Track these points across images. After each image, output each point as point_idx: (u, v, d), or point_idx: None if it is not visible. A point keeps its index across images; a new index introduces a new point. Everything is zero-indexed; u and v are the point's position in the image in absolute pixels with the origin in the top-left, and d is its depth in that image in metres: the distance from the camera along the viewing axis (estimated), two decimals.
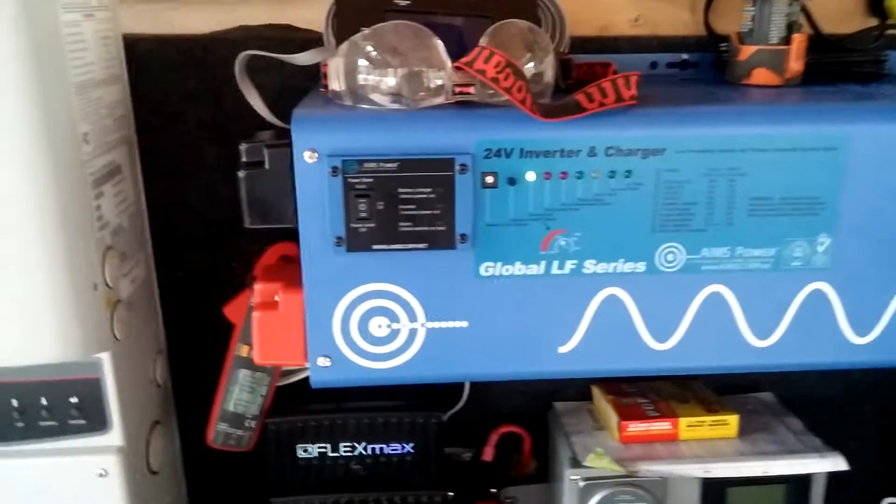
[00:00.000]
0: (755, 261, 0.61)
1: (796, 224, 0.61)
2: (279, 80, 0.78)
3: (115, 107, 0.69)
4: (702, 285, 0.62)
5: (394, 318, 0.61)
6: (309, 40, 0.73)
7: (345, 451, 0.77)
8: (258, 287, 0.62)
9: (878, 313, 0.63)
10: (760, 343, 0.64)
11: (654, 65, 0.82)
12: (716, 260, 0.61)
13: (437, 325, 0.61)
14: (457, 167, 0.57)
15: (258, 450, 0.78)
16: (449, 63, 0.56)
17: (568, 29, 0.74)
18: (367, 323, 0.61)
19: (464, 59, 0.55)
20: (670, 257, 0.61)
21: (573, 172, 0.58)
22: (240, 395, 0.76)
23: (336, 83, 0.59)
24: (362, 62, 0.57)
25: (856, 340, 0.64)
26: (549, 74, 0.61)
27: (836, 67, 0.77)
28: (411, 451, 0.77)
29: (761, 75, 0.71)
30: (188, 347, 0.85)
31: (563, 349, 0.63)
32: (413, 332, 0.61)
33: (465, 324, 0.62)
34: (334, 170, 0.56)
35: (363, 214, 0.57)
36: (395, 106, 0.58)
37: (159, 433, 0.77)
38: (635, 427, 0.82)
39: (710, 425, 0.83)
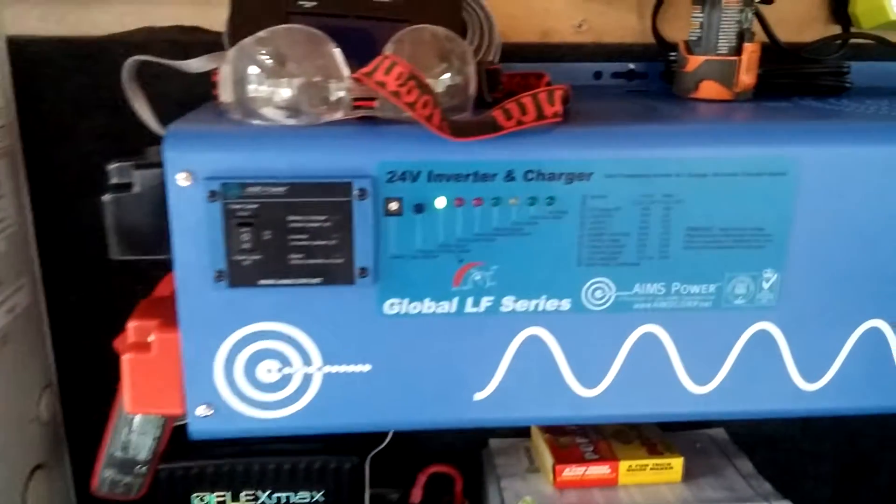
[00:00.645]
0: (693, 298, 0.55)
1: (739, 258, 0.54)
2: (182, 88, 0.70)
3: None
4: (634, 325, 0.55)
5: (285, 361, 0.54)
6: (217, 44, 0.65)
7: (247, 501, 0.69)
8: (131, 325, 0.54)
9: (829, 357, 0.57)
10: (699, 389, 0.57)
11: (598, 75, 0.75)
12: (649, 297, 0.55)
13: (335, 369, 0.54)
14: (355, 192, 0.50)
15: (149, 498, 0.70)
16: (347, 73, 0.49)
17: (498, 35, 0.68)
18: (255, 367, 0.53)
19: (363, 70, 0.48)
20: (598, 294, 0.54)
21: (488, 199, 0.51)
22: (129, 438, 0.68)
23: (226, 94, 0.51)
24: (252, 70, 0.50)
25: (805, 387, 0.58)
26: (471, 86, 0.55)
27: (794, 80, 0.71)
28: (322, 499, 0.70)
29: (709, 89, 0.65)
30: (82, 381, 0.76)
31: (479, 396, 0.56)
32: (308, 378, 0.54)
33: (367, 367, 0.54)
34: (212, 194, 0.48)
35: (247, 245, 0.50)
36: (290, 121, 0.50)
37: (42, 479, 0.69)
38: (571, 472, 0.75)
39: (653, 469, 0.76)
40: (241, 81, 0.50)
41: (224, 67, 0.51)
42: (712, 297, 0.55)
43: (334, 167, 0.49)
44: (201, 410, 0.54)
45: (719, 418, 0.60)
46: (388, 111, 0.51)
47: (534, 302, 0.54)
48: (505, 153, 0.51)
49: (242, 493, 0.69)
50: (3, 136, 0.63)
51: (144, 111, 0.58)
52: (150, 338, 0.53)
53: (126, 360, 0.53)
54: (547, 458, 0.77)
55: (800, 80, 0.70)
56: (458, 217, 0.51)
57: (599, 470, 0.76)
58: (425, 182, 0.50)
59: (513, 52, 0.74)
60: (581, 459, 0.76)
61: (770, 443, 0.89)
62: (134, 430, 0.68)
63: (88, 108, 0.71)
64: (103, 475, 0.68)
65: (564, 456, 0.77)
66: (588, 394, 0.57)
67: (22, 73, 0.68)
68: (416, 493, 0.83)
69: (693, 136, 0.53)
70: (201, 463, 0.68)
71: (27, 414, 0.68)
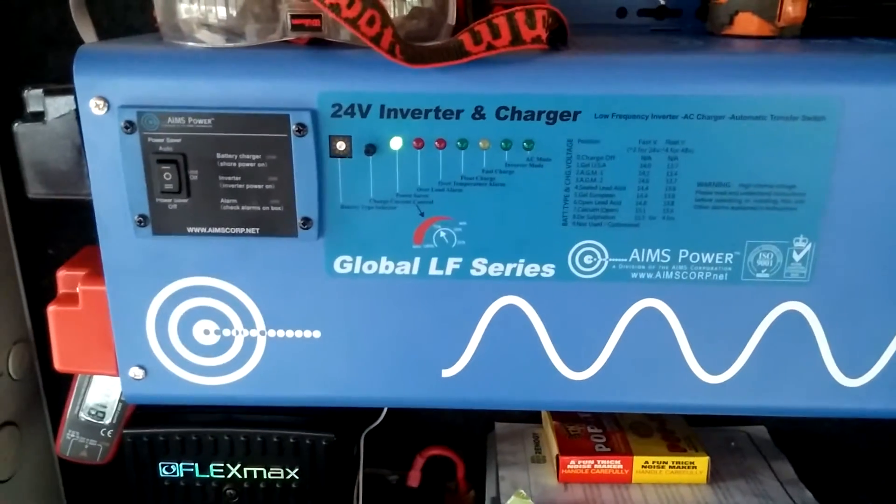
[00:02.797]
0: (705, 270, 0.46)
1: (764, 222, 0.44)
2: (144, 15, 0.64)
3: None
4: (632, 298, 0.46)
5: (224, 322, 0.47)
6: None
7: (216, 473, 0.64)
8: (60, 274, 0.49)
9: (876, 347, 0.47)
10: (712, 378, 0.48)
11: (621, 12, 0.65)
12: (651, 266, 0.46)
13: (280, 334, 0.47)
14: (293, 127, 0.42)
15: (116, 464, 0.65)
16: None
17: None
18: (191, 328, 0.47)
19: None
20: (588, 260, 0.46)
21: (453, 140, 0.43)
22: (93, 399, 0.63)
23: (158, 14, 0.45)
24: None
25: (845, 381, 0.48)
26: (449, 11, 0.46)
27: (856, 15, 0.58)
28: (296, 476, 0.64)
29: (747, 22, 0.54)
30: None
31: (447, 373, 0.48)
32: (251, 342, 0.48)
33: (316, 334, 0.47)
34: (128, 125, 0.42)
35: (170, 186, 0.43)
36: (227, 44, 0.44)
37: (10, 436, 0.66)
38: (577, 465, 0.67)
39: (672, 468, 0.67)
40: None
41: None
42: (729, 268, 0.45)
43: (269, 97, 0.42)
44: (134, 372, 0.48)
45: (735, 413, 0.50)
46: (340, 33, 0.43)
47: (510, 266, 0.46)
48: (473, 85, 0.42)
49: (211, 465, 0.64)
50: None
51: (88, 32, 0.52)
52: (77, 289, 0.48)
53: (51, 312, 0.48)
54: (552, 447, 0.69)
55: (863, 16, 0.58)
56: (418, 161, 0.44)
57: (610, 465, 0.67)
58: (377, 118, 0.43)
59: None
60: (590, 451, 0.68)
61: (817, 444, 0.78)
62: (97, 391, 0.63)
63: (56, 41, 0.66)
64: (66, 437, 0.64)
65: (571, 446, 0.68)
66: (576, 377, 0.48)
67: None
68: (414, 477, 0.77)
69: (706, 68, 0.43)
70: (168, 430, 0.63)
71: None
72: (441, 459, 0.77)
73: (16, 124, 0.44)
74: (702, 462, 0.67)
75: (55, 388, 0.73)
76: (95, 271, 0.48)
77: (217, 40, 0.44)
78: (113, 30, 0.54)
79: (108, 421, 0.64)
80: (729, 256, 0.45)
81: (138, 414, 0.65)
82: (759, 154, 0.43)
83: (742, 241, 0.45)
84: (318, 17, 0.42)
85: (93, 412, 0.64)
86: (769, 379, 0.48)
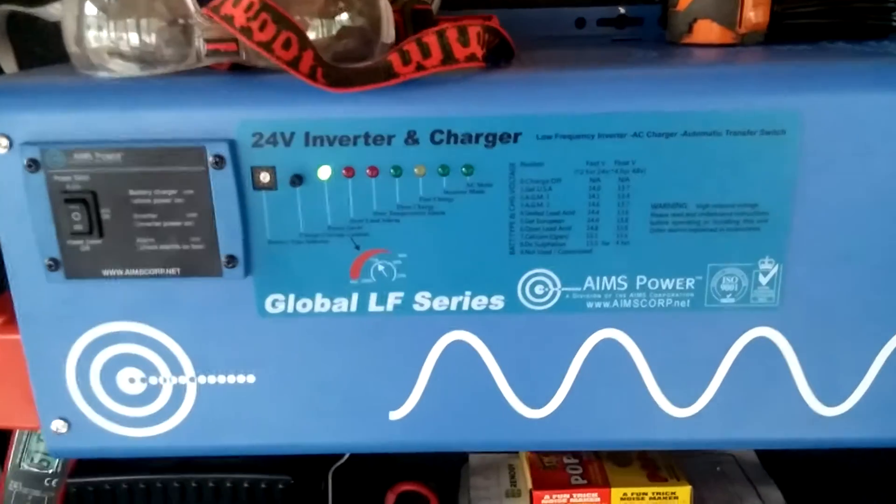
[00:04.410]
0: (666, 296, 0.42)
1: (726, 244, 0.41)
2: None
3: None
4: (588, 330, 0.43)
5: (150, 370, 0.44)
6: None
7: None
8: None
9: (855, 371, 0.43)
10: (680, 412, 0.44)
11: (580, 22, 0.62)
12: (607, 294, 0.42)
13: (212, 380, 0.44)
14: (209, 159, 0.39)
15: None
16: (194, 8, 0.39)
17: None
18: (115, 376, 0.44)
19: (212, 2, 0.38)
20: (539, 290, 0.42)
21: (386, 168, 0.40)
22: (36, 447, 0.60)
23: (67, 42, 0.42)
24: (88, 10, 0.40)
25: (822, 410, 0.44)
26: (384, 30, 0.43)
27: (823, 18, 0.56)
28: None
29: (706, 30, 0.51)
30: None
31: (394, 415, 0.45)
32: (180, 390, 0.44)
33: (251, 378, 0.44)
34: (32, 163, 0.39)
35: (80, 227, 0.40)
36: (143, 73, 0.40)
37: None
38: (552, 500, 0.63)
39: (653, 499, 0.63)
40: (76, 25, 0.40)
41: (64, 10, 0.42)
42: (691, 294, 0.42)
43: (184, 128, 0.39)
44: (56, 426, 0.45)
45: (705, 447, 0.47)
46: (262, 57, 0.40)
47: (456, 299, 0.43)
48: (403, 107, 0.39)
49: None
50: None
51: (9, 63, 0.50)
52: None
53: None
54: (527, 481, 0.66)
55: (831, 18, 0.55)
56: (349, 191, 0.40)
57: (587, 498, 0.63)
58: (302, 146, 0.40)
59: None
60: (565, 485, 0.64)
61: (807, 467, 0.74)
62: (41, 440, 0.60)
63: None
64: (9, 488, 0.60)
65: (546, 479, 0.65)
66: (533, 415, 0.45)
67: None
68: None
69: (655, 82, 0.40)
70: (115, 479, 0.60)
71: None
72: (413, 495, 0.73)
73: None
74: (684, 492, 0.63)
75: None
76: (9, 319, 0.44)
77: (131, 69, 0.40)
78: (46, 57, 0.51)
79: (51, 470, 0.61)
80: (690, 281, 0.42)
81: (83, 461, 0.61)
82: (717, 172, 0.40)
83: (703, 264, 0.42)
84: (234, 40, 0.39)
85: (36, 461, 0.60)
86: (741, 410, 0.44)
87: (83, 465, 0.61)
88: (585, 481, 0.65)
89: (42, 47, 0.61)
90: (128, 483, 0.60)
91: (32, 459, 0.60)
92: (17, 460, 0.60)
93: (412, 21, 0.48)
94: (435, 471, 0.75)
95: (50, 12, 0.46)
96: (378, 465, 0.75)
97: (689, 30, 0.52)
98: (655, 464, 0.67)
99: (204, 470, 0.61)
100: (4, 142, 0.39)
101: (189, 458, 0.62)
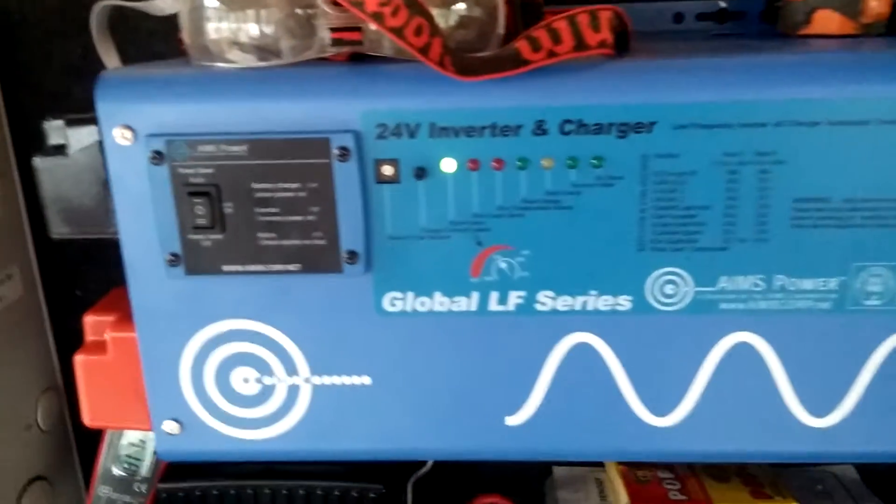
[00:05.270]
0: (806, 297, 0.40)
1: (873, 241, 0.39)
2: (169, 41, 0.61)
3: None
4: (721, 333, 0.41)
5: (265, 369, 0.43)
6: None
7: None
8: (88, 320, 0.45)
9: None
10: (816, 421, 0.42)
11: (678, 17, 0.60)
12: (742, 295, 0.40)
13: (327, 380, 0.43)
14: (334, 151, 0.38)
15: None
16: None
17: None
18: (229, 376, 0.43)
19: None
20: (669, 289, 0.40)
21: (512, 160, 0.39)
22: (126, 451, 0.60)
23: (185, 34, 0.42)
24: (209, 3, 0.39)
25: None
26: (499, 21, 0.42)
27: None
28: None
29: (826, 21, 0.49)
30: None
31: (511, 421, 0.43)
32: (294, 390, 0.43)
33: (366, 380, 0.43)
34: (157, 155, 0.39)
35: (203, 221, 0.39)
36: (261, 63, 0.40)
37: (40, 492, 0.62)
38: None
39: None
40: (195, 16, 0.40)
41: (181, 2, 0.41)
42: (833, 295, 0.40)
43: (307, 120, 0.38)
44: (168, 426, 0.44)
45: (847, 460, 0.44)
46: (384, 46, 0.39)
47: (580, 299, 0.41)
48: (532, 97, 0.38)
49: None
50: None
51: (113, 63, 0.50)
52: (106, 336, 0.44)
53: (79, 362, 0.44)
54: (620, 496, 0.63)
55: None
56: (474, 184, 0.39)
57: None
58: (427, 138, 0.38)
59: None
60: (663, 500, 0.61)
61: None
62: (131, 444, 0.59)
63: (81, 72, 0.63)
64: (98, 493, 0.60)
65: (642, 494, 0.62)
66: (659, 423, 0.43)
67: (3, 37, 0.61)
68: None
69: (798, 68, 0.38)
70: (206, 484, 0.59)
71: (21, 420, 0.61)
72: None
73: (36, 158, 0.41)
74: None
75: (86, 439, 0.69)
76: (125, 316, 0.44)
77: (249, 60, 0.40)
78: (137, 58, 0.51)
79: (141, 475, 0.60)
80: (833, 282, 0.39)
81: (173, 466, 0.60)
82: (864, 163, 0.38)
83: (848, 263, 0.39)
84: (359, 29, 0.38)
85: (126, 465, 0.60)
86: (883, 419, 0.41)
87: (173, 470, 0.60)
88: (685, 497, 0.62)
89: (134, 47, 0.62)
90: (218, 489, 0.59)
91: (121, 463, 0.60)
92: (108, 464, 0.60)
93: (521, 12, 0.47)
94: (516, 483, 0.73)
95: (159, 6, 0.46)
96: (460, 476, 0.73)
97: (807, 20, 0.50)
98: (757, 480, 0.64)
99: (295, 477, 0.59)
100: (128, 133, 0.39)
101: (280, 465, 0.61)
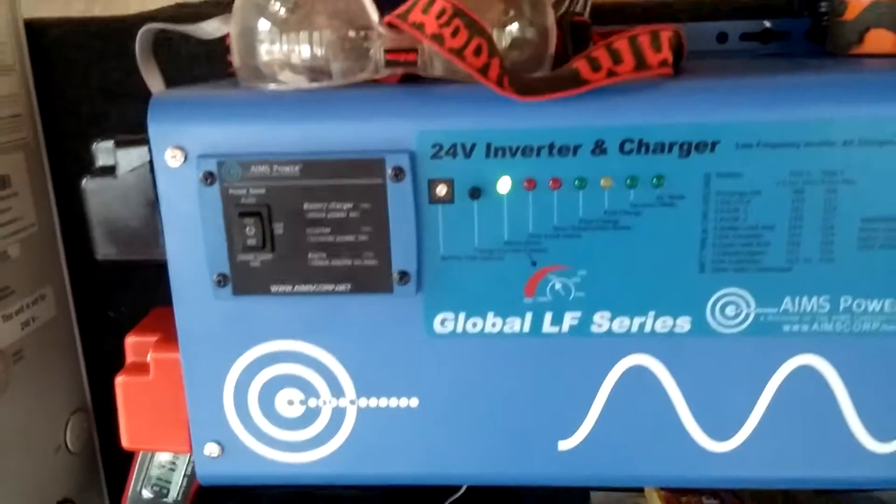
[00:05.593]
0: (873, 320, 0.39)
1: None
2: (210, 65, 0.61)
3: (4, 104, 0.55)
4: (784, 356, 0.40)
5: (310, 391, 0.42)
6: None
7: None
8: (130, 340, 0.44)
9: None
10: (882, 447, 0.41)
11: (722, 37, 0.59)
12: (807, 317, 0.39)
13: (373, 403, 0.42)
14: (388, 172, 0.37)
15: None
16: (376, 18, 0.37)
17: None
18: (273, 398, 0.42)
19: (397, 11, 0.36)
20: (731, 311, 0.39)
21: (570, 179, 0.38)
22: (156, 473, 0.58)
23: (235, 56, 0.41)
24: (262, 25, 0.39)
25: None
26: (550, 42, 0.41)
27: None
28: None
29: (880, 40, 0.48)
30: None
31: (564, 445, 0.42)
32: (339, 413, 0.42)
33: (414, 402, 0.42)
34: (208, 176, 0.38)
35: (254, 242, 0.39)
36: (311, 85, 0.39)
37: None
38: None
39: None
40: (246, 38, 0.39)
41: (232, 24, 0.41)
42: None
43: (361, 140, 0.37)
44: (210, 449, 0.43)
45: None
46: (436, 67, 0.38)
47: (637, 320, 0.40)
48: (592, 116, 0.37)
49: None
50: (17, 127, 0.56)
51: (158, 87, 0.49)
52: (148, 357, 0.43)
53: (120, 383, 0.43)
54: None
55: None
56: (529, 204, 0.38)
57: None
58: (483, 158, 0.38)
59: (605, 11, 0.60)
60: None
61: None
62: (161, 466, 0.58)
63: (117, 95, 0.63)
64: None
65: None
66: (717, 448, 0.41)
67: (42, 60, 0.61)
68: None
69: (867, 87, 0.37)
70: None
71: (50, 442, 0.60)
72: None
73: (84, 179, 0.40)
74: None
75: (112, 461, 0.68)
76: (168, 337, 0.43)
77: (300, 81, 0.39)
78: (179, 81, 0.51)
79: (172, 497, 0.59)
80: None
81: (204, 489, 0.59)
82: None
83: None
84: (415, 51, 0.38)
85: (156, 488, 0.59)
86: None
87: (204, 494, 0.59)
88: None
89: (176, 70, 0.61)
90: None
91: (150, 485, 0.59)
92: (138, 487, 0.59)
93: (571, 34, 0.46)
94: None
95: (206, 30, 0.46)
96: (494, 500, 0.72)
97: (860, 39, 0.49)
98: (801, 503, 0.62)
99: (327, 501, 0.59)
100: (179, 154, 0.38)
101: (311, 489, 0.60)
